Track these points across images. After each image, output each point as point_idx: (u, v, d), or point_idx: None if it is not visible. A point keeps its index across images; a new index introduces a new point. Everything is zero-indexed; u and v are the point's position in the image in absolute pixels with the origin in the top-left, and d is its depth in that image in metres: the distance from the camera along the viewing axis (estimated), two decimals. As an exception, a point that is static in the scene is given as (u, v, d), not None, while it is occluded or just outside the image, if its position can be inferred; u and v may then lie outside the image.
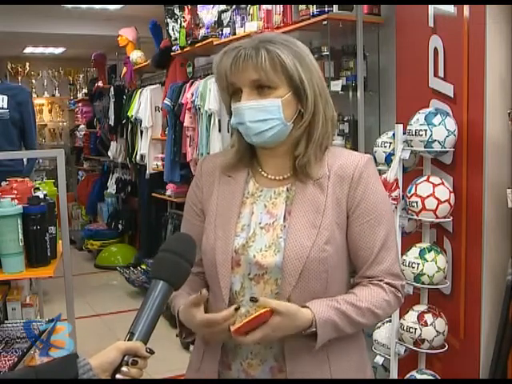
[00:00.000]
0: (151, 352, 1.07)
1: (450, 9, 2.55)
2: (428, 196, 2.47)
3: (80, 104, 8.59)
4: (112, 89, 6.48)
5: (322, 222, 1.30)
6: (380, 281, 1.33)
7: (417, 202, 2.49)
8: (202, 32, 4.44)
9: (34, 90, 8.89)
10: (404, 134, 2.56)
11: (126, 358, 1.05)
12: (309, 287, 1.29)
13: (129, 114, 5.81)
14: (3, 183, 2.58)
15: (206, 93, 4.17)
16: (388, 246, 1.34)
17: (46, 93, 9.26)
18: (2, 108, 4.01)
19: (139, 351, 1.06)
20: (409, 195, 2.53)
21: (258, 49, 1.28)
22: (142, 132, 5.66)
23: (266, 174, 1.40)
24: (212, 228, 1.37)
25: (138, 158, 5.72)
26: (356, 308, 1.29)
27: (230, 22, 4.14)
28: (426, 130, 2.45)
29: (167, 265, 1.14)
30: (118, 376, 1.04)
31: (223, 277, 1.33)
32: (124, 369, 1.04)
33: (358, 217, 1.33)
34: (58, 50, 8.58)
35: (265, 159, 1.40)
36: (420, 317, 2.52)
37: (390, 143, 2.63)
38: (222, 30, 4.23)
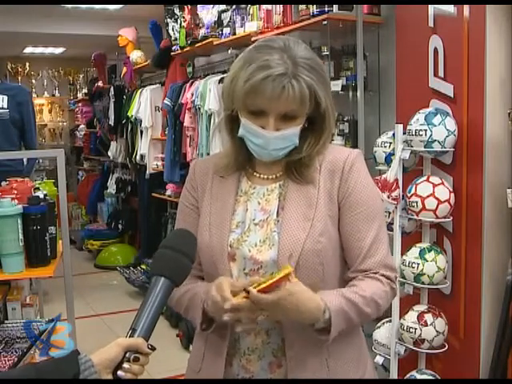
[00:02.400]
0: (153, 348, 1.07)
1: (449, 9, 2.55)
2: (428, 196, 2.47)
3: (80, 104, 8.59)
4: (112, 89, 6.48)
5: (314, 215, 1.32)
6: (375, 273, 1.34)
7: (417, 202, 2.49)
8: (202, 32, 4.44)
9: (34, 90, 8.88)
10: (404, 134, 2.56)
11: (127, 355, 1.05)
12: (305, 281, 1.28)
13: (129, 114, 5.81)
14: (3, 183, 2.58)
15: (206, 93, 4.17)
16: (380, 238, 1.35)
17: (46, 93, 9.26)
18: (2, 108, 4.01)
19: (141, 347, 1.06)
20: (409, 195, 2.53)
21: (299, 81, 1.25)
22: (141, 132, 5.66)
23: (258, 175, 1.41)
24: (206, 227, 1.38)
25: (138, 158, 5.73)
26: (361, 297, 1.29)
27: (229, 21, 4.14)
28: (426, 130, 2.45)
29: (168, 261, 1.14)
30: (119, 372, 1.04)
31: (224, 272, 1.33)
32: (126, 365, 1.04)
33: (349, 208, 1.34)
34: (58, 50, 8.58)
35: (259, 163, 1.41)
36: (420, 317, 2.52)
37: (390, 143, 2.62)
38: (221, 30, 4.23)
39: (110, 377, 1.03)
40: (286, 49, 1.28)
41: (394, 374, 2.61)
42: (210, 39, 4.31)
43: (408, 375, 2.61)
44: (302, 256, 1.29)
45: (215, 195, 1.41)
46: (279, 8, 3.63)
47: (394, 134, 2.61)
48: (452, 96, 2.57)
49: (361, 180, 1.36)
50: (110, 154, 6.78)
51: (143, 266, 5.46)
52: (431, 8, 2.63)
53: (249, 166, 1.42)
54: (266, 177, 1.40)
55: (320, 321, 1.25)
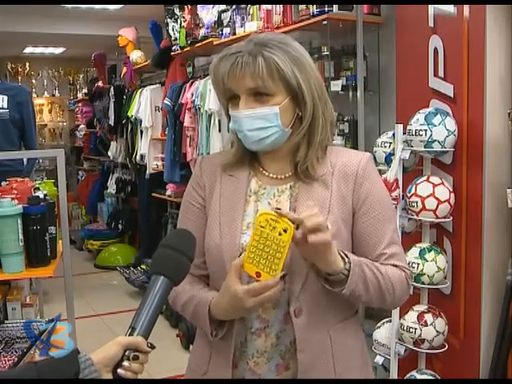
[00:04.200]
0: (152, 347, 1.07)
1: (449, 9, 2.55)
2: (428, 196, 2.47)
3: (80, 104, 8.59)
4: (112, 89, 6.48)
5: (327, 218, 1.31)
6: (394, 265, 1.34)
7: (417, 202, 2.49)
8: (202, 32, 4.45)
9: (34, 90, 8.88)
10: (404, 134, 2.56)
11: (127, 353, 1.05)
12: (317, 283, 1.28)
13: (129, 114, 5.81)
14: (3, 183, 2.58)
15: (206, 93, 4.17)
16: (395, 241, 1.37)
17: (46, 93, 9.26)
18: (2, 108, 4.01)
19: (140, 346, 1.06)
20: (409, 195, 2.53)
21: (255, 56, 1.27)
22: (141, 132, 5.66)
23: (267, 174, 1.40)
24: (216, 226, 1.36)
25: (138, 158, 5.72)
26: (378, 270, 1.30)
27: (229, 21, 4.14)
28: (426, 130, 2.45)
29: (167, 260, 1.14)
30: (119, 371, 1.04)
31: None
32: (125, 363, 1.04)
33: (364, 213, 1.34)
34: (58, 50, 8.59)
35: (265, 161, 1.41)
36: (420, 317, 2.52)
37: (390, 143, 2.63)
38: (221, 30, 4.23)
39: (109, 375, 1.03)
40: (254, 37, 1.32)
41: (394, 374, 2.61)
42: (210, 39, 4.31)
43: (408, 375, 2.61)
44: None
45: (224, 194, 1.39)
46: (279, 8, 3.63)
47: (393, 134, 2.61)
48: (452, 96, 2.57)
49: (375, 184, 1.37)
50: (110, 153, 6.78)
51: (143, 266, 5.46)
52: (431, 8, 2.63)
53: (257, 164, 1.42)
54: (275, 176, 1.39)
55: (341, 267, 1.24)
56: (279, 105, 1.30)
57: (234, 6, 4.08)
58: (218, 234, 1.35)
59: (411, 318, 2.54)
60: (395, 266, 1.34)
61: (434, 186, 2.48)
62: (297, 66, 1.30)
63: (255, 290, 1.21)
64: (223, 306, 1.28)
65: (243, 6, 4.00)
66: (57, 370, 1.00)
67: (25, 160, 4.06)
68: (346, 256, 1.25)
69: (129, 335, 1.07)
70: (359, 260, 1.28)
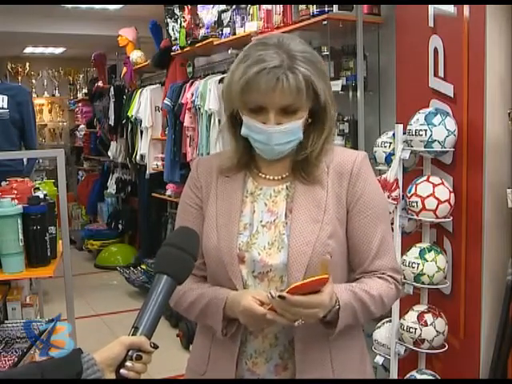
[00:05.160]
0: (155, 346, 1.07)
1: (449, 9, 2.55)
2: (428, 196, 2.46)
3: (80, 104, 8.59)
4: (112, 89, 6.48)
5: (324, 218, 1.32)
6: (382, 274, 1.35)
7: (417, 202, 2.49)
8: (202, 32, 4.45)
9: (34, 90, 8.88)
10: (404, 134, 2.56)
11: (130, 353, 1.05)
12: None
13: (129, 114, 5.81)
14: (3, 183, 2.58)
15: (206, 93, 4.17)
16: (387, 240, 1.37)
17: (46, 93, 9.26)
18: (2, 108, 4.01)
19: (143, 346, 1.06)
20: (409, 195, 2.53)
21: (295, 72, 1.25)
22: (141, 132, 5.66)
23: (263, 175, 1.40)
24: (213, 228, 1.36)
25: (138, 158, 5.73)
26: (369, 295, 1.30)
27: (229, 21, 4.14)
28: (426, 130, 2.45)
29: (171, 259, 1.14)
30: (122, 371, 1.04)
31: (234, 274, 1.33)
32: (128, 363, 1.04)
33: (358, 212, 1.35)
34: (58, 50, 8.58)
35: (263, 164, 1.41)
36: (420, 317, 2.52)
37: (390, 143, 2.62)
38: (221, 30, 4.23)
39: (112, 375, 1.03)
40: (280, 44, 1.28)
41: (394, 374, 2.61)
42: (210, 39, 4.31)
43: (408, 375, 2.61)
44: (311, 259, 1.29)
45: (221, 195, 1.39)
46: (279, 8, 3.62)
47: (393, 134, 2.61)
48: (452, 96, 2.57)
49: (369, 183, 1.37)
50: (110, 153, 6.78)
51: (143, 266, 5.46)
52: (431, 8, 2.63)
53: (254, 166, 1.41)
54: (271, 177, 1.39)
55: (330, 313, 1.25)
56: (303, 118, 1.31)
57: (233, 6, 4.08)
58: (215, 235, 1.36)
59: (411, 317, 2.54)
60: (385, 277, 1.34)
61: (434, 185, 2.48)
62: (324, 81, 1.31)
63: (250, 311, 1.24)
64: (237, 311, 1.28)
65: (243, 6, 4.00)
66: (59, 369, 1.00)
67: (25, 160, 4.06)
68: (337, 299, 1.25)
69: (132, 335, 1.07)
70: (348, 299, 1.27)
